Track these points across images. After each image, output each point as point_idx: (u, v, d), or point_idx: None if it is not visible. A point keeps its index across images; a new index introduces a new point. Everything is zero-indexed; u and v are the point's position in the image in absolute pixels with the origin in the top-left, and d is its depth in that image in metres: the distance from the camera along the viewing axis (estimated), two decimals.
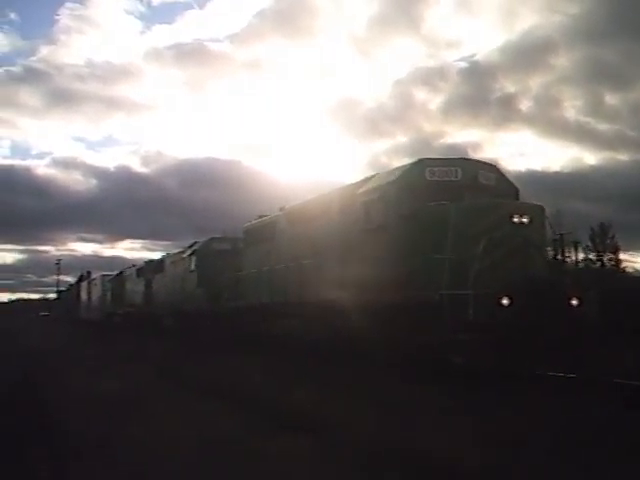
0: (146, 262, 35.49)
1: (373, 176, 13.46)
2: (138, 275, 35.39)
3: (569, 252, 12.36)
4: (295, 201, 18.11)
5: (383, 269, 11.94)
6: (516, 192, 12.65)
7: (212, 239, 24.25)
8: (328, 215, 14.65)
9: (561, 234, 12.13)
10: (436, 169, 12.01)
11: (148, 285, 32.59)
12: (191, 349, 20.33)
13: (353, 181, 14.55)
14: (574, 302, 10.34)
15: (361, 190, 13.06)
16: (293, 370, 12.91)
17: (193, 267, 24.30)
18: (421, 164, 12.15)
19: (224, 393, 10.16)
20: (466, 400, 8.57)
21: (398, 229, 11.72)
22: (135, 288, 35.71)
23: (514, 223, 10.67)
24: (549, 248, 11.77)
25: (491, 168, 12.63)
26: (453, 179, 12.04)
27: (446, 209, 10.88)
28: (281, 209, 18.35)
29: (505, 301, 9.88)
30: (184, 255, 25.82)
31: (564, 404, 8.12)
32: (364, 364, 12.18)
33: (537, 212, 11.29)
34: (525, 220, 10.77)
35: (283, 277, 16.38)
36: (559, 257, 11.83)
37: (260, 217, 19.98)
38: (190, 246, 25.90)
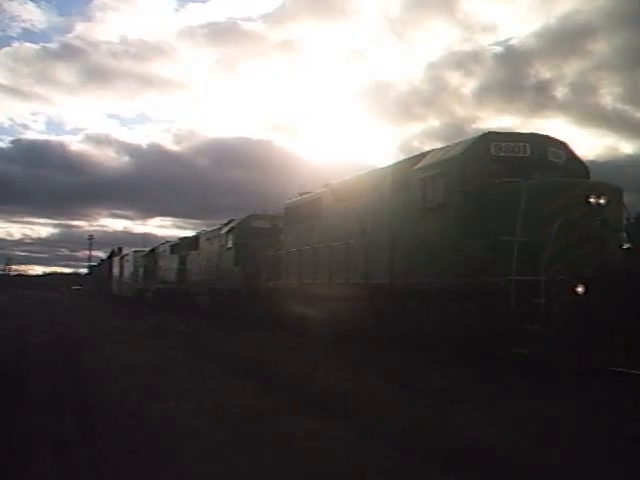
0: (180, 239, 34.97)
1: (430, 151, 12.59)
2: (172, 252, 34.92)
3: None
4: (335, 179, 17.34)
5: (442, 251, 11.14)
6: (587, 172, 11.72)
7: (250, 216, 23.52)
8: (379, 192, 13.84)
9: (636, 218, 11.18)
10: (502, 144, 11.12)
11: (182, 262, 32.12)
12: (226, 328, 19.76)
13: (407, 157, 13.70)
14: None
15: (418, 166, 12.20)
16: (338, 356, 12.20)
17: (230, 245, 23.63)
18: (486, 138, 11.26)
19: (265, 374, 9.49)
20: (536, 398, 7.77)
21: (461, 208, 10.88)
22: (168, 265, 35.28)
23: (590, 204, 9.77)
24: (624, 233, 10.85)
25: (561, 145, 11.68)
26: (521, 155, 11.14)
27: (517, 187, 9.98)
28: (326, 185, 17.57)
29: (580, 289, 9.00)
30: (221, 232, 25.15)
31: None
32: (416, 353, 11.43)
33: (615, 193, 10.34)
34: (602, 201, 9.85)
35: (328, 257, 15.62)
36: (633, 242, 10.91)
37: (302, 194, 19.21)
38: (227, 223, 25.20)
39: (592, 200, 9.75)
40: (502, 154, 11.09)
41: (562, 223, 9.33)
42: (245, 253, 22.16)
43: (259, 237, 21.97)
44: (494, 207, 10.37)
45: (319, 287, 15.87)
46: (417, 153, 13.38)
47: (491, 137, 11.26)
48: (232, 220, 24.88)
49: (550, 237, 9.27)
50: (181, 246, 33.24)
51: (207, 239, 28.17)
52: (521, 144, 11.14)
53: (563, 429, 6.06)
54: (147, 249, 43.65)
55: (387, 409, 6.91)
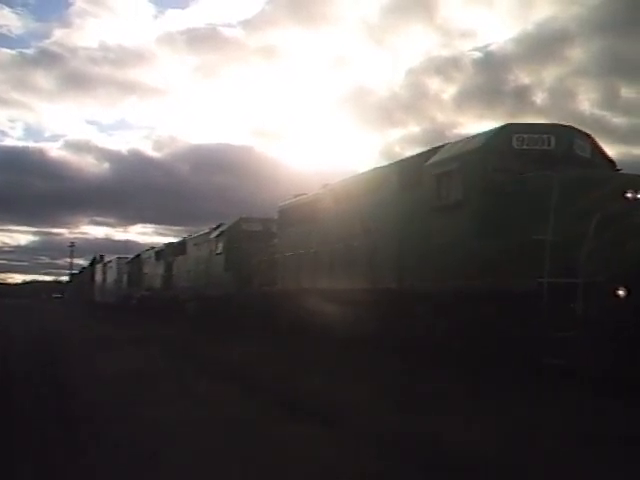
0: (166, 244, 33.93)
1: (443, 146, 11.70)
2: (157, 258, 33.86)
3: None
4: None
5: (459, 252, 10.26)
6: (613, 166, 10.90)
7: (241, 219, 22.54)
8: (384, 191, 12.94)
9: None
10: (525, 136, 10.26)
11: (168, 268, 31.08)
12: (216, 335, 18.76)
13: (416, 152, 12.84)
14: None
15: (431, 161, 11.31)
16: (339, 364, 11.29)
17: (220, 249, 22.64)
18: (507, 130, 10.40)
19: (259, 385, 8.57)
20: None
21: (482, 205, 10.00)
22: (154, 271, 34.23)
23: (628, 199, 8.92)
24: None
25: (586, 137, 10.84)
26: (545, 148, 10.28)
27: (547, 181, 9.09)
28: (324, 186, 16.68)
29: (621, 292, 8.13)
30: (210, 237, 24.13)
31: None
32: (429, 365, 10.53)
33: None
34: None
35: (328, 260, 14.72)
36: None
37: (297, 196, 18.29)
38: (216, 227, 24.20)
39: (630, 195, 8.89)
40: (525, 147, 10.23)
41: (600, 219, 8.46)
42: (236, 258, 21.19)
43: (250, 241, 21.05)
44: (520, 203, 9.49)
45: (319, 292, 14.94)
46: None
47: (512, 128, 10.41)
48: (221, 224, 23.91)
49: (586, 235, 8.41)
50: (167, 252, 32.18)
51: (195, 244, 27.17)
52: (545, 136, 10.29)
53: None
54: (131, 256, 42.51)
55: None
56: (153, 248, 36.72)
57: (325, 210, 15.53)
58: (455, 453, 5.19)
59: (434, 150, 11.82)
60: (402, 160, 13.13)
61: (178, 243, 30.77)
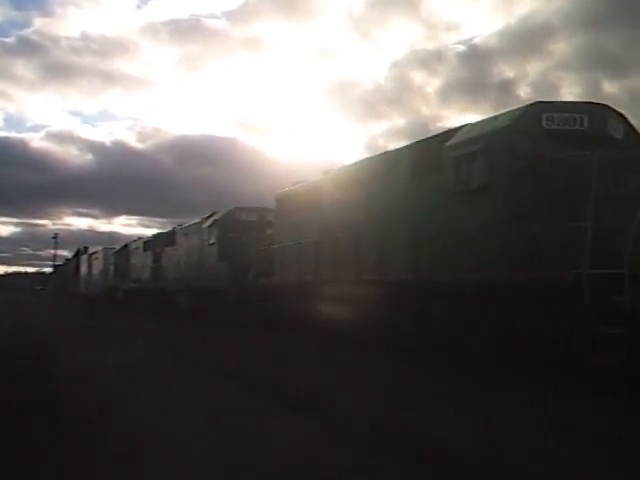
0: (154, 235, 32.87)
1: (463, 127, 10.86)
2: (145, 249, 32.77)
3: None
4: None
5: (484, 241, 9.46)
6: None
7: (235, 208, 21.57)
8: (394, 177, 12.12)
9: None
10: (555, 115, 9.43)
11: (157, 259, 30.02)
12: (208, 328, 17.86)
13: (431, 135, 11.98)
14: None
15: (451, 143, 10.47)
16: (341, 361, 10.47)
17: (213, 240, 21.66)
18: (536, 108, 9.56)
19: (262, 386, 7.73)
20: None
21: (511, 189, 9.18)
22: (141, 262, 33.15)
23: None
24: None
25: (620, 117, 10.03)
26: (577, 128, 9.47)
27: (586, 162, 8.27)
28: (326, 172, 15.80)
29: None
30: (202, 226, 23.13)
31: None
32: (446, 368, 9.71)
33: None
34: None
35: (332, 250, 13.85)
36: None
37: (295, 184, 17.40)
38: (209, 216, 23.20)
39: None
40: (555, 127, 9.40)
41: None
42: (231, 248, 20.25)
43: (245, 231, 20.12)
44: (554, 187, 8.67)
45: (322, 284, 14.10)
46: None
47: (542, 107, 9.57)
48: (214, 213, 22.92)
49: (633, 222, 7.63)
50: (155, 242, 31.11)
51: (185, 234, 26.17)
52: (577, 115, 9.47)
53: None
54: (118, 246, 41.38)
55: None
56: (141, 238, 35.65)
57: (327, 197, 14.67)
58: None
59: (451, 132, 10.99)
60: (413, 144, 12.27)
61: (167, 233, 29.73)
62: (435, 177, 10.72)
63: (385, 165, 12.64)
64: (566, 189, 8.46)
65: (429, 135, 11.62)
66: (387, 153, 13.16)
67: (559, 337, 8.25)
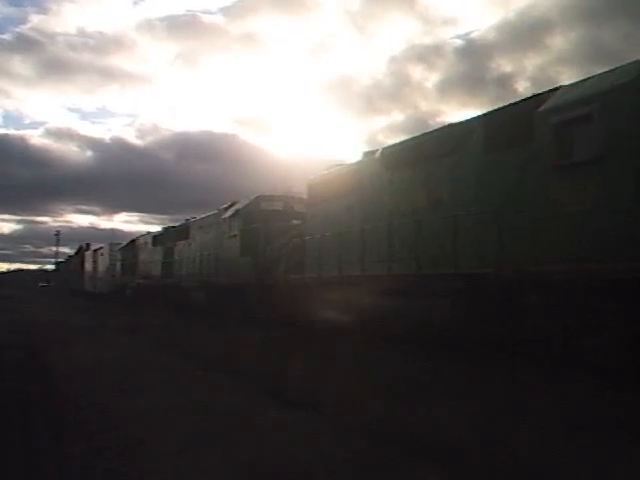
0: (165, 228, 31.04)
1: (558, 88, 9.03)
2: (155, 243, 30.95)
3: None
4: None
5: (599, 225, 7.64)
6: None
7: (259, 197, 19.66)
8: (463, 153, 10.40)
9: None
10: None
11: (168, 254, 28.20)
12: (230, 330, 15.99)
13: (512, 100, 10.14)
14: None
15: (547, 106, 8.65)
16: (406, 377, 8.61)
17: (235, 231, 19.78)
18: None
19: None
20: None
21: (637, 160, 7.37)
22: (151, 258, 31.33)
23: None
24: None
25: None
26: None
27: None
28: (367, 154, 13.99)
29: None
30: (222, 217, 21.26)
31: None
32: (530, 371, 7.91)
33: None
34: None
35: (383, 240, 12.08)
36: None
37: (331, 168, 15.61)
38: (228, 207, 21.31)
39: None
40: None
41: None
42: (255, 241, 18.37)
43: (271, 221, 18.30)
44: None
45: (370, 280, 12.31)
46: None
47: None
48: (234, 203, 21.04)
49: None
50: (166, 236, 29.31)
51: (200, 227, 24.37)
52: None
53: None
54: (124, 242, 39.59)
55: None
56: (150, 233, 33.85)
57: (374, 181, 12.90)
58: None
59: (542, 95, 9.14)
60: (486, 114, 10.45)
61: (180, 226, 27.91)
62: (523, 150, 8.93)
63: (451, 140, 10.87)
64: None
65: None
66: (452, 126, 11.35)
67: None
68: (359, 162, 14.02)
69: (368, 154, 13.92)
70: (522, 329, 8.72)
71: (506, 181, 9.26)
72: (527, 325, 8.68)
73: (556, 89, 8.98)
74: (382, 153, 13.06)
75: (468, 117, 11.03)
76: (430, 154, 11.29)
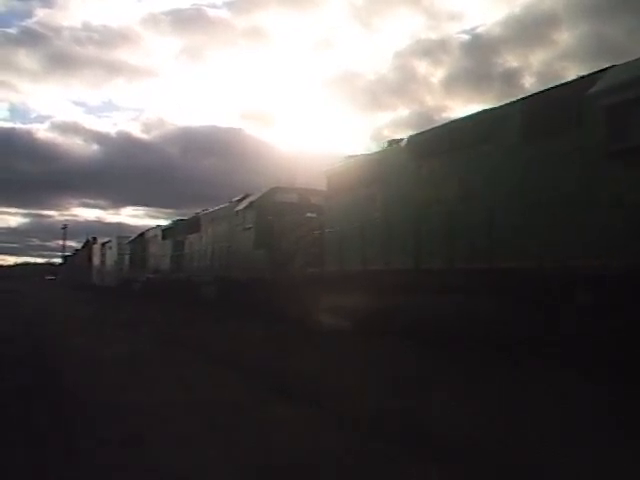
0: (174, 221, 30.42)
1: (609, 69, 8.35)
2: (164, 237, 30.37)
3: None
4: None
5: None
6: None
7: (274, 188, 19.07)
8: (503, 140, 9.72)
9: None
10: None
11: (178, 248, 27.63)
12: (243, 325, 15.41)
13: (555, 83, 9.45)
14: None
15: (599, 88, 7.99)
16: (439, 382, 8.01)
17: (249, 224, 19.16)
18: None
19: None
20: None
21: None
22: (160, 251, 30.79)
23: None
24: None
25: None
26: None
27: None
28: (391, 142, 13.35)
29: None
30: (235, 210, 20.65)
31: None
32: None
33: None
34: None
35: (411, 232, 11.45)
36: None
37: (350, 157, 14.96)
38: (241, 198, 20.71)
39: None
40: None
41: None
42: (269, 233, 17.75)
43: (287, 213, 17.68)
44: None
45: (397, 274, 11.68)
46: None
47: None
48: (248, 195, 20.44)
49: None
50: (176, 230, 28.71)
51: (212, 219, 23.77)
52: None
53: None
54: (133, 235, 39.03)
55: None
56: (159, 226, 33.29)
57: (399, 170, 12.25)
58: None
59: (591, 77, 8.47)
60: (525, 99, 9.78)
61: (190, 219, 27.30)
62: (570, 137, 8.27)
63: (484, 127, 10.22)
64: None
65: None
66: (485, 112, 10.68)
67: None
68: (382, 151, 13.38)
69: (392, 142, 13.29)
70: (568, 329, 8.07)
71: (550, 171, 8.60)
72: (575, 325, 8.03)
73: (607, 69, 8.30)
74: (409, 141, 12.41)
75: (502, 103, 10.40)
76: (462, 142, 10.64)
